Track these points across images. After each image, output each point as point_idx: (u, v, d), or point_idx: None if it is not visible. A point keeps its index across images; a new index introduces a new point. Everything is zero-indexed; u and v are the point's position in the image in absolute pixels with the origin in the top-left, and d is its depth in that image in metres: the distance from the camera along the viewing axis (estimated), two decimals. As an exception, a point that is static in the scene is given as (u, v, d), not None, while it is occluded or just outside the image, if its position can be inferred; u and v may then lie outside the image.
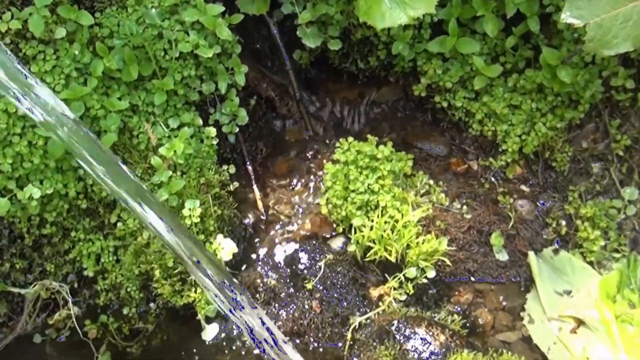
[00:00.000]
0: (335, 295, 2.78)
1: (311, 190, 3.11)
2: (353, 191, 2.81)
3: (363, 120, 3.28)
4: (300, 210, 3.05)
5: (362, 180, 2.80)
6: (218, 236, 2.75)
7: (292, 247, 2.93)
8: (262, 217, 3.05)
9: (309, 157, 3.22)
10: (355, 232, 2.78)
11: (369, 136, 2.92)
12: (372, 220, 2.76)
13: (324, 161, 3.05)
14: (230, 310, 2.34)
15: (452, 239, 2.89)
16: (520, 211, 2.98)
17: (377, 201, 2.79)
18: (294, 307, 2.77)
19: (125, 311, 2.88)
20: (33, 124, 2.56)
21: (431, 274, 2.77)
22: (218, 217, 2.85)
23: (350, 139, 2.90)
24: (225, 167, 2.97)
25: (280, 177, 3.16)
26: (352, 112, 3.30)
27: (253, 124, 3.18)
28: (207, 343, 2.73)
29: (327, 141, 3.25)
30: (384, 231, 2.73)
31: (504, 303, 2.83)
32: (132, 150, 2.82)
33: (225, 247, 2.72)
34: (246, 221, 3.03)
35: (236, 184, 2.96)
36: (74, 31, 2.67)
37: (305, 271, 2.84)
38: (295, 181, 3.15)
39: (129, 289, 2.84)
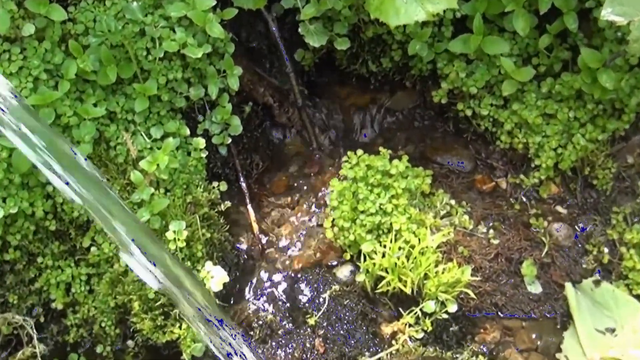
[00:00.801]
0: (342, 332, 2.77)
1: (314, 211, 3.10)
2: (362, 212, 2.81)
3: (375, 130, 3.28)
4: (302, 233, 3.05)
5: (373, 200, 2.80)
6: (207, 263, 2.74)
7: (292, 276, 2.93)
8: (257, 242, 3.05)
9: (312, 172, 3.22)
10: (364, 260, 2.78)
11: (381, 149, 2.91)
12: (385, 246, 2.76)
13: (329, 177, 3.05)
14: (223, 352, 2.34)
15: (476, 267, 2.89)
16: (556, 236, 2.98)
17: (390, 224, 2.78)
18: (294, 345, 2.76)
19: (98, 349, 2.87)
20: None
21: (452, 308, 2.77)
22: (207, 242, 2.84)
23: (360, 152, 2.89)
24: (215, 183, 2.97)
25: (278, 196, 3.16)
26: (362, 121, 3.29)
27: (248, 135, 3.17)
28: (192, 387, 2.74)
29: (333, 154, 3.26)
30: (398, 258, 2.73)
31: (537, 342, 2.81)
32: (109, 163, 2.82)
33: (215, 276, 2.71)
34: (239, 246, 3.02)
35: (228, 203, 2.95)
36: (43, 27, 2.68)
37: (307, 304, 2.84)
38: (295, 200, 3.15)
39: (103, 324, 2.83)
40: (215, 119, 3.00)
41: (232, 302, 2.92)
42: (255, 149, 3.22)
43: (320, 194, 3.14)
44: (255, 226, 3.07)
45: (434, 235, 2.79)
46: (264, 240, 3.07)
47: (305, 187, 3.19)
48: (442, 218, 2.95)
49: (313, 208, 3.11)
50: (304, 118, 3.28)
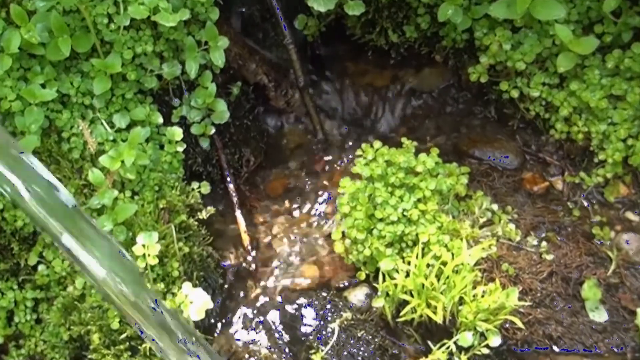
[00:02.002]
0: (355, 372, 2.80)
1: (320, 219, 3.12)
2: (381, 220, 2.81)
3: (396, 117, 3.29)
4: (304, 247, 3.06)
5: (394, 205, 2.80)
6: (185, 285, 2.72)
7: (293, 301, 2.93)
8: (248, 258, 3.06)
9: (317, 170, 3.24)
10: (383, 280, 2.78)
11: (404, 140, 2.91)
12: (409, 263, 2.76)
13: (339, 177, 3.05)
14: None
15: (525, 290, 2.88)
16: (626, 250, 2.97)
17: (416, 235, 2.79)
18: (295, 389, 2.81)
19: (49, 394, 2.87)
20: None
21: (495, 341, 2.76)
22: (185, 258, 2.84)
23: (377, 144, 2.90)
24: (195, 185, 2.97)
25: (274, 200, 3.17)
26: (379, 106, 3.31)
27: (236, 123, 3.18)
28: None
29: (344, 148, 3.27)
30: (426, 278, 2.72)
31: (603, 384, 2.84)
32: (61, 159, 2.82)
33: (195, 301, 2.68)
34: (226, 263, 3.04)
35: (211, 209, 2.95)
36: (-22, -12, 2.70)
37: (312, 336, 2.84)
38: (296, 206, 3.17)
39: (54, 362, 2.85)
40: (195, 103, 3.00)
41: (216, 333, 2.92)
42: (245, 141, 3.22)
43: (327, 197, 3.16)
44: (245, 238, 3.08)
45: (472, 249, 2.78)
46: (256, 255, 3.07)
47: (308, 189, 3.20)
48: (481, 227, 2.94)
49: (318, 215, 3.13)
50: (307, 102, 3.29)
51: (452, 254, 2.77)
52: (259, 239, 3.11)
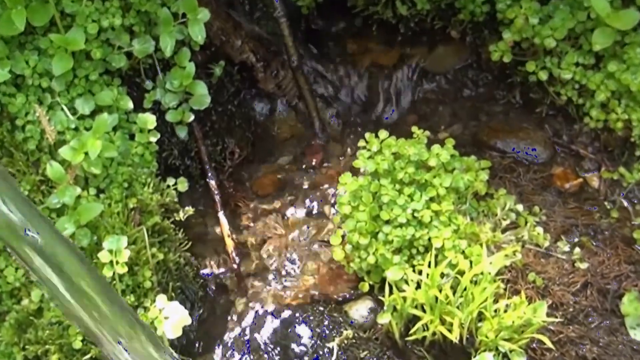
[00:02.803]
0: (358, 399, 2.80)
1: (316, 221, 3.13)
2: (387, 222, 2.81)
3: (405, 102, 3.31)
4: (298, 254, 3.07)
5: (403, 204, 2.80)
6: (159, 298, 2.73)
7: (285, 316, 2.93)
8: (233, 266, 3.06)
9: (313, 164, 3.25)
10: (390, 292, 2.78)
11: (414, 129, 2.91)
12: (420, 272, 2.75)
13: (339, 172, 3.06)
14: None
15: (555, 304, 2.88)
16: (672, 257, 2.97)
17: (429, 239, 2.79)
18: (288, 419, 2.82)
19: None
20: None
21: (520, 363, 2.78)
22: (159, 266, 2.84)
23: (383, 133, 2.89)
24: (171, 181, 2.98)
25: (264, 199, 3.19)
26: (386, 89, 3.31)
27: (219, 109, 3.19)
28: None
29: (344, 138, 3.29)
30: (440, 291, 2.71)
31: (645, 414, 2.83)
32: (14, 151, 2.82)
33: (171, 316, 2.69)
34: (206, 272, 3.05)
35: (190, 209, 2.97)
36: None
37: (307, 357, 2.84)
38: (289, 205, 3.17)
39: (6, 387, 2.83)
40: (171, 85, 3.00)
41: (197, 353, 2.92)
42: (229, 130, 3.23)
43: (324, 196, 3.16)
44: (229, 243, 3.08)
45: (493, 257, 2.77)
46: (242, 263, 3.08)
47: (302, 186, 3.20)
48: (504, 231, 2.94)
49: (314, 217, 3.14)
50: (302, 84, 3.29)
51: (471, 262, 2.76)
52: (245, 244, 3.11)
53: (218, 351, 2.91)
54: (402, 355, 2.85)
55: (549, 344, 2.76)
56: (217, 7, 3.10)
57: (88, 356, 2.72)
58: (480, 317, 2.75)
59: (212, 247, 3.10)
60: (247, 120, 3.30)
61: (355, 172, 2.93)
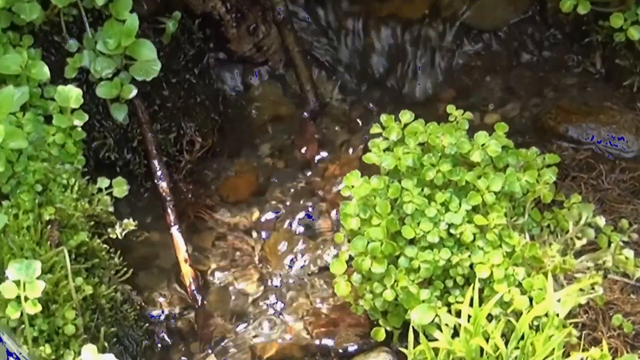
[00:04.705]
0: None
1: (310, 240, 3.12)
2: (412, 242, 2.79)
3: (438, 71, 3.33)
4: (284, 286, 3.07)
5: (434, 217, 2.78)
6: (86, 349, 2.67)
7: (267, 376, 2.95)
8: (191, 304, 3.06)
9: (306, 158, 3.27)
10: (417, 342, 2.74)
11: (451, 109, 2.89)
12: (458, 314, 2.71)
13: (342, 169, 3.08)
14: None
15: (653, 359, 2.86)
16: None
17: (471, 267, 2.77)
18: None
19: None
20: None
21: None
22: (87, 303, 2.82)
23: (407, 115, 2.87)
24: (104, 182, 2.97)
25: (236, 207, 3.20)
26: (410, 53, 3.34)
27: (173, 81, 3.20)
28: None
29: (350, 121, 3.30)
30: (488, 339, 2.69)
31: None
32: None
33: (103, 378, 2.70)
34: (155, 313, 3.04)
35: (130, 223, 2.95)
36: None
37: None
38: (271, 217, 3.17)
39: None
40: (105, 46, 2.99)
41: None
42: (187, 110, 3.24)
43: (322, 203, 3.16)
44: (187, 271, 3.06)
45: (563, 291, 2.74)
46: (205, 299, 3.06)
47: (291, 190, 3.20)
48: (578, 255, 2.91)
49: (307, 233, 3.13)
50: (291, 45, 3.30)
51: (530, 299, 2.74)
52: (209, 272, 3.09)
53: None
54: None
55: (644, 419, 2.75)
56: None
57: None
58: (546, 378, 2.73)
59: (162, 277, 3.10)
60: (212, 97, 3.29)
61: (367, 170, 2.90)
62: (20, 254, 2.74)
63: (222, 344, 3.01)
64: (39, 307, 2.64)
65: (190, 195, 3.22)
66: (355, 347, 2.95)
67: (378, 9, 3.33)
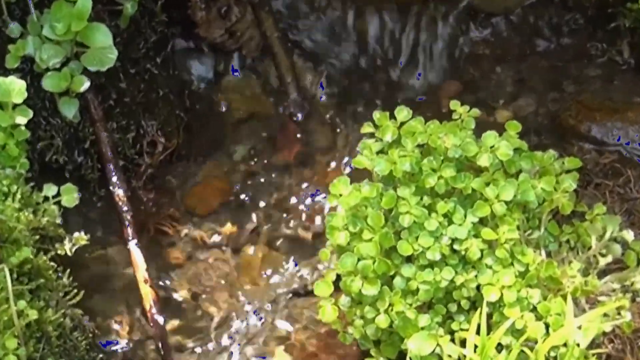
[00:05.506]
0: None
1: (290, 256, 3.12)
2: (409, 260, 2.78)
3: (441, 59, 3.34)
4: (262, 311, 3.06)
5: (436, 230, 2.76)
6: None
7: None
8: (152, 331, 3.03)
9: (288, 161, 3.27)
10: None
11: (455, 105, 2.89)
12: (464, 343, 2.70)
13: (328, 175, 3.09)
14: None
15: (686, 395, 2.85)
16: None
17: (477, 288, 2.76)
18: None
19: None
20: None
21: None
22: (30, 331, 2.79)
23: (404, 112, 2.86)
24: (51, 190, 2.95)
25: (204, 220, 3.20)
26: (410, 38, 3.34)
27: (132, 72, 3.21)
28: None
29: (338, 118, 3.30)
30: None
31: None
32: None
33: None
34: (110, 341, 3.04)
35: (82, 237, 2.90)
36: None
37: None
38: (244, 231, 3.17)
39: None
40: (52, 31, 2.98)
41: None
42: (148, 105, 3.24)
43: (305, 214, 3.16)
44: (147, 293, 3.04)
45: (584, 317, 2.71)
46: (169, 326, 3.05)
47: (269, 199, 3.20)
48: (603, 274, 2.89)
49: (288, 249, 3.13)
50: (269, 30, 3.30)
51: (547, 326, 2.72)
52: (173, 294, 3.08)
53: None
54: None
55: None
56: None
57: None
58: (564, 418, 2.72)
59: (118, 300, 3.09)
60: (178, 90, 3.30)
61: (357, 176, 2.91)
62: (-53, 274, 2.73)
63: (192, 378, 3.03)
64: (-25, 336, 2.61)
65: (151, 205, 3.23)
66: (342, 380, 2.94)
67: (368, -11, 3.31)
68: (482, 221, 2.80)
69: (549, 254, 2.88)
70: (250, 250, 3.16)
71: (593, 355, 2.73)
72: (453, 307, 2.81)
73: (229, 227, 3.19)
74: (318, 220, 3.14)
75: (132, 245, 3.09)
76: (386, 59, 3.33)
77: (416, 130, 2.84)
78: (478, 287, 2.77)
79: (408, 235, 2.77)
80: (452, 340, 2.77)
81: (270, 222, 3.19)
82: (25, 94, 2.91)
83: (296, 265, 3.14)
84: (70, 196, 2.97)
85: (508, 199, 2.77)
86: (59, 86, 3.01)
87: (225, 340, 3.05)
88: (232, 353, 3.03)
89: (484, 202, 2.78)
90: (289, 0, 3.41)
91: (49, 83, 3.01)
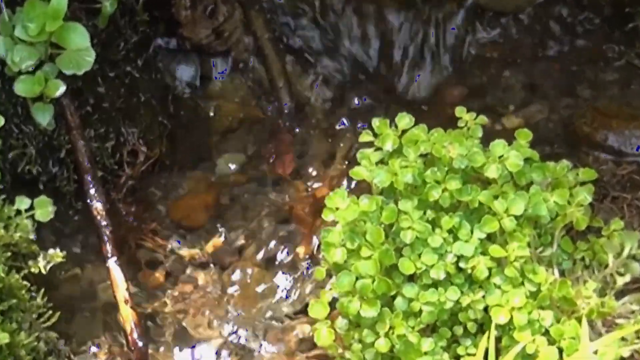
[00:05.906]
0: None
1: (284, 275, 3.10)
2: (411, 279, 2.77)
3: (445, 62, 3.34)
4: (252, 335, 3.03)
5: (440, 247, 2.75)
6: None
7: None
8: (136, 356, 3.00)
9: (279, 172, 3.25)
10: None
11: (460, 112, 2.87)
12: None
13: (324, 188, 3.08)
14: None
15: None
16: None
17: (485, 310, 2.75)
18: None
19: None
20: None
21: None
22: (3, 357, 2.75)
23: (405, 119, 2.85)
24: (23, 203, 2.93)
25: (189, 235, 3.19)
26: (412, 39, 3.34)
27: (111, 75, 3.19)
28: None
29: (334, 126, 3.29)
30: None
31: None
32: None
33: None
34: None
35: (58, 253, 2.89)
36: None
37: None
38: (233, 247, 3.15)
39: None
40: (25, 32, 2.97)
41: None
42: (129, 112, 3.22)
43: (298, 230, 3.14)
44: (128, 314, 3.01)
45: (601, 341, 2.69)
46: (151, 350, 3.02)
47: (260, 213, 3.18)
48: (620, 295, 2.88)
49: (280, 267, 3.12)
50: (259, 30, 3.30)
51: (561, 351, 2.70)
52: (156, 315, 3.07)
53: None
54: None
55: None
56: None
57: None
58: None
59: (96, 322, 3.08)
60: (161, 95, 3.29)
61: (355, 188, 2.94)
62: None
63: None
64: None
65: (132, 219, 3.22)
66: (338, 410, 2.95)
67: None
68: (490, 237, 2.79)
69: (562, 273, 2.87)
70: (238, 267, 3.14)
71: (614, 383, 2.70)
72: (459, 330, 2.80)
73: (215, 242, 3.18)
74: (314, 236, 3.14)
75: (112, 262, 3.06)
76: (387, 61, 3.33)
77: (419, 138, 2.83)
78: (486, 309, 2.76)
79: (410, 252, 2.76)
80: (458, 364, 2.73)
81: (261, 237, 3.18)
82: (-6, 99, 2.89)
83: (288, 284, 3.12)
84: (45, 210, 2.96)
85: (518, 214, 2.76)
86: (33, 91, 2.99)
87: (213, 363, 3.04)
88: (223, 371, 3.02)
89: (492, 216, 2.77)
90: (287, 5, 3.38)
91: (21, 87, 2.99)
